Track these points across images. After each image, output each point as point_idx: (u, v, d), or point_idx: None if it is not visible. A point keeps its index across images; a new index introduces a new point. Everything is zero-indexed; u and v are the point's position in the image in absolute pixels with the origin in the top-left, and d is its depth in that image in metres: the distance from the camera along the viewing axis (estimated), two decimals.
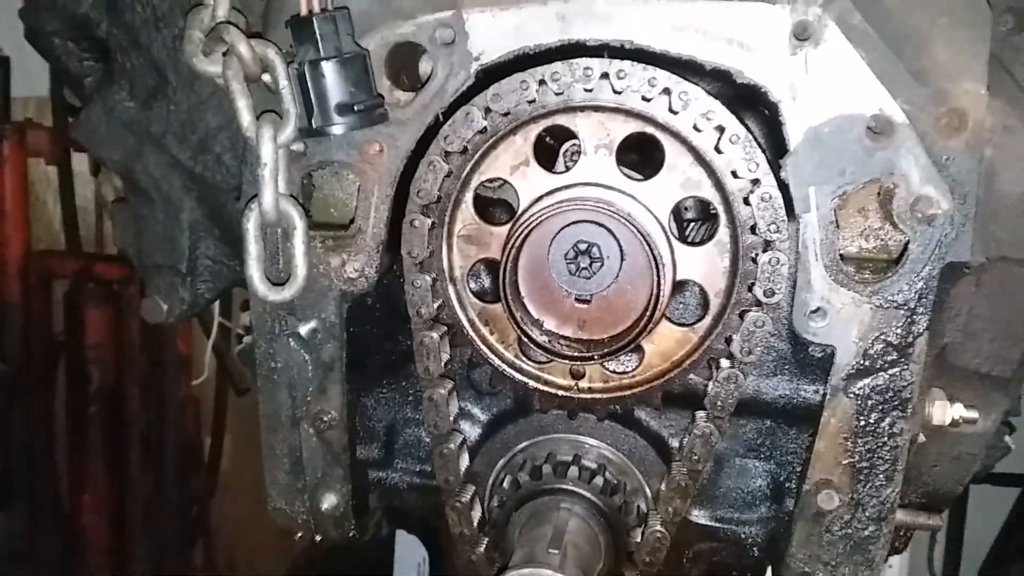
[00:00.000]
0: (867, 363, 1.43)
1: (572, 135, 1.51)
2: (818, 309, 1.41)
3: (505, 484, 1.68)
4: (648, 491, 1.67)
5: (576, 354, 1.52)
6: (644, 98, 1.44)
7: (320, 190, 1.54)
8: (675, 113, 1.43)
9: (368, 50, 1.38)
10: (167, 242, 1.78)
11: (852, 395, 1.44)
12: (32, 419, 4.75)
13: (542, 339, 1.53)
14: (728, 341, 1.49)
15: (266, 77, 1.37)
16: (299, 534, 1.66)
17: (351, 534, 1.66)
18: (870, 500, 1.49)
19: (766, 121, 1.48)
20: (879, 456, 1.47)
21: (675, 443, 1.70)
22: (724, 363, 1.51)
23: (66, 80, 1.84)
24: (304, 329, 1.54)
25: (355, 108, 1.31)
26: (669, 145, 1.47)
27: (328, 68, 1.31)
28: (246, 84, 1.35)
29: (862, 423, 1.46)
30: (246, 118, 1.35)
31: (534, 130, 1.50)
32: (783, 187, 1.41)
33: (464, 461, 1.68)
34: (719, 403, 1.53)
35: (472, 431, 1.78)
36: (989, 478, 1.78)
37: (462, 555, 1.69)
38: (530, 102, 1.46)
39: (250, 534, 5.49)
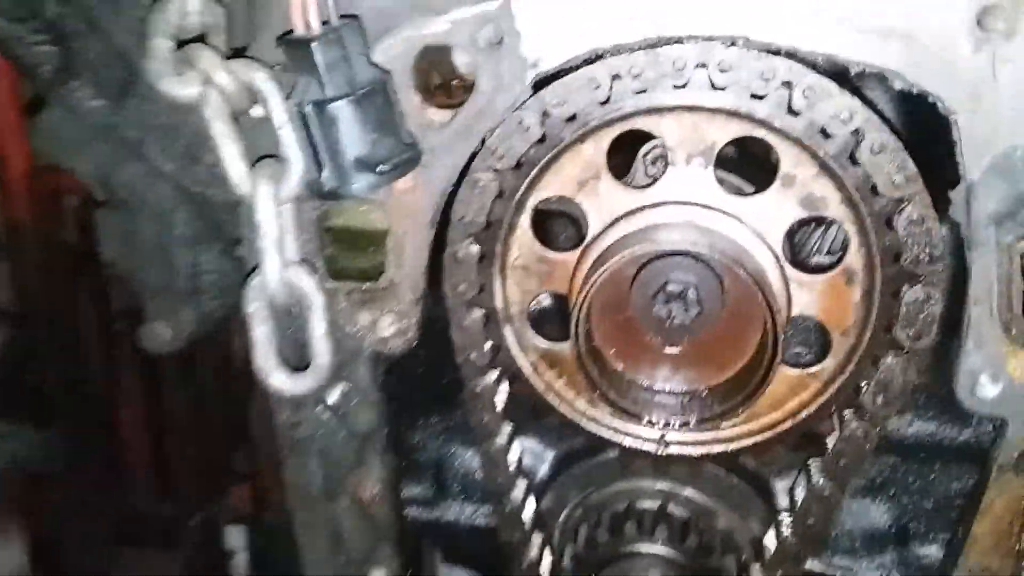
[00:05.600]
0: None
1: (651, 135, 1.17)
2: (990, 376, 1.10)
3: (580, 540, 1.44)
4: (748, 543, 1.42)
5: (666, 419, 1.23)
6: (755, 95, 1.09)
7: (340, 216, 1.21)
8: (796, 115, 1.09)
9: (390, 71, 1.02)
10: (161, 257, 1.47)
11: None
12: (59, 337, 4.60)
13: (625, 403, 1.23)
14: (857, 391, 1.20)
15: (258, 111, 1.02)
16: None
17: None
18: None
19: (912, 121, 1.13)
20: None
21: (779, 484, 1.43)
22: (850, 415, 1.22)
23: (19, 70, 1.48)
24: (332, 395, 1.24)
25: (378, 169, 0.96)
26: (786, 152, 1.14)
27: (340, 111, 0.94)
28: (233, 121, 1.01)
29: None
30: (237, 169, 1.02)
31: (607, 137, 1.17)
32: (938, 208, 1.08)
33: (529, 510, 1.42)
34: (842, 463, 1.25)
35: (538, 465, 1.52)
36: None
37: None
38: (602, 103, 1.12)
39: None
